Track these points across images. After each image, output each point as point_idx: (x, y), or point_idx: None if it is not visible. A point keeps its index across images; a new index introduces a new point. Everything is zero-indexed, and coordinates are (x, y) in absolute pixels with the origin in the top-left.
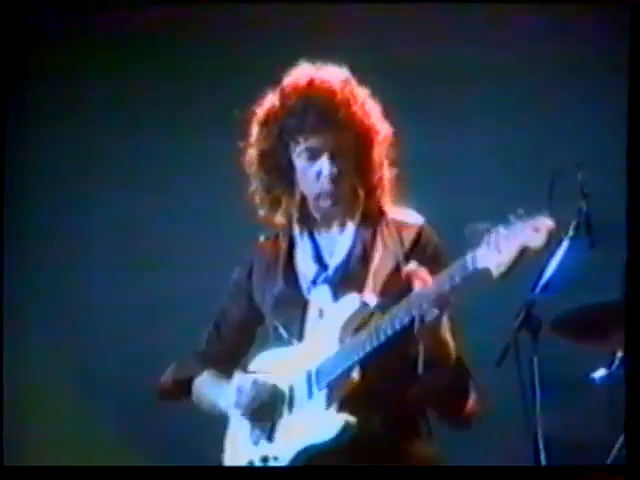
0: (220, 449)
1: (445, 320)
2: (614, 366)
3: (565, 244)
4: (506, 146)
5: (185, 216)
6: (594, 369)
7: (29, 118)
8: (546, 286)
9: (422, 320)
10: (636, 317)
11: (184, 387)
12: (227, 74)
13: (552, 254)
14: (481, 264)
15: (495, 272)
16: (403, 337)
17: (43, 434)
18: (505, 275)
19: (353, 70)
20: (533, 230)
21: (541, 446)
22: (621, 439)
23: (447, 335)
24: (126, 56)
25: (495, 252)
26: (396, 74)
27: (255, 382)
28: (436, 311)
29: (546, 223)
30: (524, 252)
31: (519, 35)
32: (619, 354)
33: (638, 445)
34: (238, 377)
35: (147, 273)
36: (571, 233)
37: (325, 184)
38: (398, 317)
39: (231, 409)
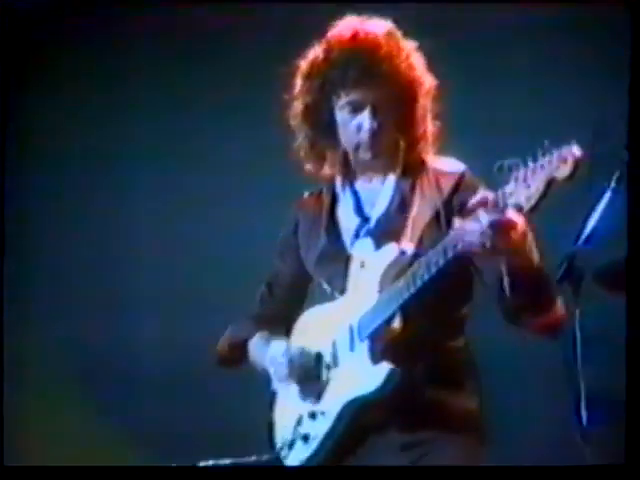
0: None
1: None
2: None
3: (607, 195)
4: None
5: (227, 180)
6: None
7: (30, 119)
8: (588, 238)
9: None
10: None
11: (239, 351)
12: (272, 28)
13: (594, 205)
14: (511, 200)
15: (525, 206)
16: (445, 281)
17: (43, 434)
18: (534, 208)
19: (398, 23)
20: (560, 161)
21: (583, 401)
22: None
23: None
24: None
25: (524, 186)
26: (445, 26)
27: (287, 350)
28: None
29: (573, 152)
30: (552, 184)
31: (519, 35)
32: None
33: (638, 445)
34: (271, 347)
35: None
36: (613, 184)
37: (365, 137)
38: (433, 261)
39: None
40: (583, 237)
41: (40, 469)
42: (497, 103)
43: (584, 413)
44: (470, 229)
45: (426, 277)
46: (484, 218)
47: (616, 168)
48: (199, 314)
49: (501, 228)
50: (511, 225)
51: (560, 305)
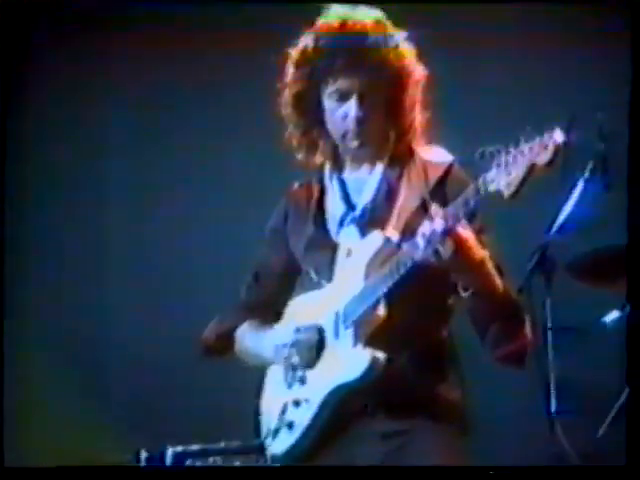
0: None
1: (472, 238)
2: (627, 309)
3: (580, 186)
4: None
5: (218, 172)
6: (607, 312)
7: (29, 119)
8: (561, 228)
9: (437, 252)
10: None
11: (227, 340)
12: (264, 18)
13: (567, 196)
14: (492, 186)
15: (506, 193)
16: (429, 268)
17: (43, 434)
18: (515, 195)
19: (388, 13)
20: (541, 147)
21: (552, 389)
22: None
23: (476, 253)
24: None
25: (505, 173)
26: (434, 16)
27: (294, 330)
28: (450, 244)
29: (554, 139)
30: (532, 170)
31: (519, 35)
32: None
33: (638, 445)
34: (276, 331)
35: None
36: (587, 175)
37: (351, 125)
38: (415, 248)
39: (273, 355)
40: (556, 227)
41: (40, 469)
42: (487, 94)
43: (553, 401)
44: (423, 231)
45: (409, 264)
46: (431, 225)
47: (590, 158)
48: (189, 303)
49: (445, 238)
50: (455, 237)
51: (528, 331)
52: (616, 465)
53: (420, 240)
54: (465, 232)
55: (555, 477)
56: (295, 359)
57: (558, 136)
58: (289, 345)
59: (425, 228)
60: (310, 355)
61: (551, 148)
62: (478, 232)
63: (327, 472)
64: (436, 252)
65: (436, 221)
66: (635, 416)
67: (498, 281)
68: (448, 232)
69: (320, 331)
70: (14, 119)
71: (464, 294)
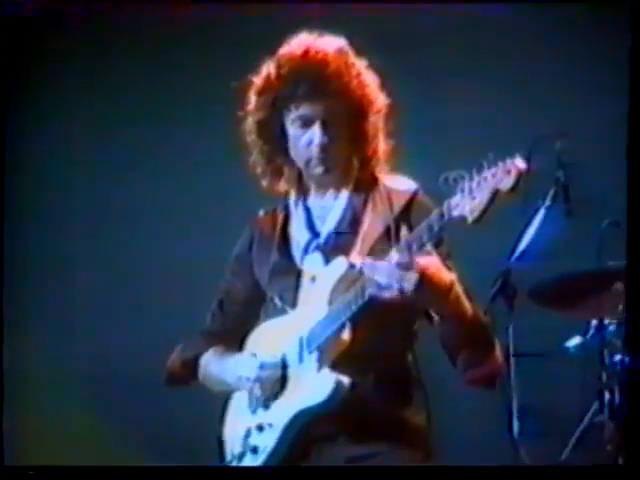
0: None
1: (438, 264)
2: (589, 335)
3: (542, 213)
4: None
5: (185, 199)
6: (569, 337)
7: (29, 118)
8: (522, 254)
9: (401, 289)
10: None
11: (191, 367)
12: (227, 45)
13: (529, 223)
14: (456, 211)
15: (470, 218)
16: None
17: (43, 434)
18: (478, 220)
19: (351, 42)
20: (504, 173)
21: (515, 415)
22: (594, 407)
23: (443, 280)
24: (125, 44)
25: (469, 198)
26: (397, 46)
27: (256, 364)
28: (413, 277)
29: (516, 165)
30: (496, 195)
31: (518, 35)
32: (594, 322)
33: (638, 445)
34: (240, 361)
35: (145, 264)
36: (548, 202)
37: (316, 151)
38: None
39: (236, 383)
40: (517, 253)
41: (40, 469)
42: (451, 121)
43: (516, 424)
44: (380, 268)
45: (373, 293)
46: (393, 258)
47: (551, 186)
48: (152, 331)
49: (408, 270)
50: (418, 268)
51: (498, 354)
52: (615, 465)
53: (380, 276)
54: (430, 259)
55: (555, 477)
56: (257, 393)
57: (519, 162)
58: (252, 380)
59: (383, 265)
60: (273, 390)
61: (514, 174)
62: (445, 257)
63: (319, 472)
64: (400, 289)
65: (396, 257)
66: (635, 416)
67: (467, 305)
68: (410, 262)
69: (284, 366)
70: (14, 118)
71: (435, 319)
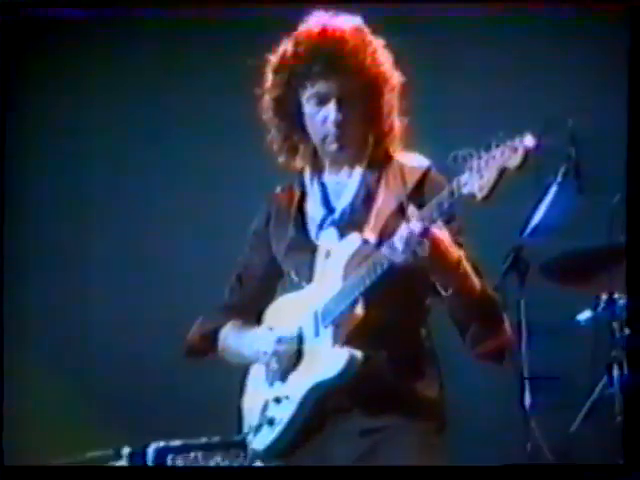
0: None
1: (449, 239)
2: (599, 308)
3: (554, 189)
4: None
5: (204, 177)
6: (579, 312)
7: (28, 114)
8: (534, 230)
9: (415, 253)
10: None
11: (210, 340)
12: (246, 24)
13: (541, 199)
14: (466, 189)
15: (479, 195)
16: (407, 269)
17: (43, 434)
18: (488, 197)
19: (367, 21)
20: (511, 151)
21: (527, 388)
22: (604, 380)
23: (453, 254)
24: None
25: (477, 176)
26: (412, 26)
27: (273, 338)
28: (427, 243)
29: (523, 143)
30: (504, 173)
31: (518, 35)
32: (604, 297)
33: (638, 445)
34: (258, 335)
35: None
36: (560, 178)
37: (331, 129)
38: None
39: (254, 357)
40: (529, 229)
41: (40, 469)
42: (464, 100)
43: (527, 397)
44: (401, 233)
45: (386, 265)
46: (406, 229)
47: (563, 163)
48: (173, 304)
49: (422, 239)
50: (431, 238)
51: (507, 328)
52: (615, 464)
53: (398, 242)
54: (441, 233)
55: (555, 477)
56: (274, 366)
57: (528, 141)
58: (270, 354)
59: (402, 231)
60: (289, 363)
61: (521, 152)
62: (456, 234)
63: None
64: (414, 253)
65: (413, 223)
66: (635, 416)
67: (476, 281)
68: (425, 234)
69: (300, 340)
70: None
71: (444, 293)
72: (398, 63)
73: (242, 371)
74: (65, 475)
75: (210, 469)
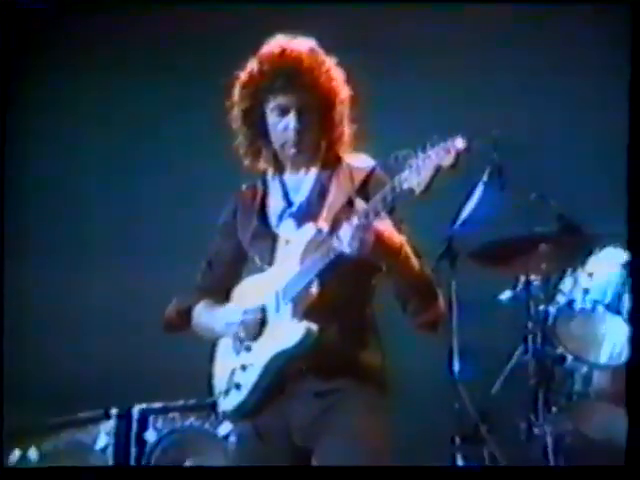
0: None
1: (391, 229)
2: (518, 288)
3: (480, 187)
4: None
5: (179, 177)
6: (501, 291)
7: (29, 112)
8: (464, 222)
9: (360, 244)
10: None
11: (185, 317)
12: (215, 47)
13: (469, 195)
14: (406, 185)
15: (417, 190)
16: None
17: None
18: (424, 192)
19: (321, 42)
20: (445, 152)
21: (456, 355)
22: (520, 349)
23: (394, 241)
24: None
25: (416, 173)
26: (360, 46)
27: (240, 312)
28: (370, 235)
29: (455, 145)
30: (439, 171)
31: (519, 35)
32: (522, 279)
33: (638, 445)
34: (227, 310)
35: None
36: (486, 178)
37: (290, 135)
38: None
39: (224, 330)
40: (460, 220)
41: (40, 469)
42: (406, 109)
43: (456, 364)
44: (344, 230)
45: (337, 251)
46: (354, 222)
47: (488, 165)
48: (155, 286)
49: (366, 232)
50: (374, 229)
51: (441, 304)
52: (616, 466)
53: (344, 235)
54: (383, 224)
55: (555, 477)
56: (242, 335)
57: (459, 142)
58: (237, 324)
59: (347, 226)
60: (254, 332)
61: (453, 153)
62: (398, 222)
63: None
64: (360, 243)
65: (355, 219)
66: (635, 416)
67: (415, 262)
68: (367, 226)
69: (263, 311)
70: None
71: (388, 272)
72: (348, 79)
73: (212, 343)
74: (65, 475)
75: (210, 469)
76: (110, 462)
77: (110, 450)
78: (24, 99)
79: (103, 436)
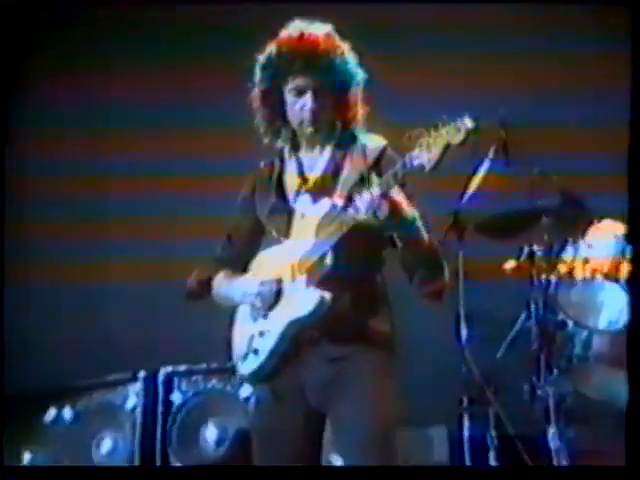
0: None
1: (404, 202)
2: (521, 258)
3: (486, 164)
4: None
5: (204, 159)
6: (506, 261)
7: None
8: (470, 197)
9: (375, 213)
10: None
11: (206, 286)
12: (239, 31)
13: (476, 171)
14: (417, 161)
15: (427, 167)
16: (367, 227)
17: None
18: (434, 168)
19: (337, 28)
20: (455, 130)
21: (462, 322)
22: (523, 315)
23: (407, 213)
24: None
25: (426, 151)
26: (374, 32)
27: (257, 282)
28: (386, 205)
29: (465, 124)
30: (448, 149)
31: (518, 35)
32: (525, 249)
33: (638, 446)
34: (245, 280)
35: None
36: (491, 155)
37: (307, 115)
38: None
39: (242, 299)
40: (467, 195)
41: (40, 469)
42: (416, 92)
43: (464, 331)
44: (364, 197)
45: (351, 224)
46: (374, 191)
47: (494, 142)
48: (177, 257)
49: (382, 201)
50: (390, 200)
51: (446, 274)
52: (616, 466)
53: (361, 204)
54: (398, 196)
55: (555, 477)
56: (259, 304)
57: (468, 122)
58: (254, 294)
59: (366, 195)
60: (270, 302)
61: (462, 131)
62: (409, 197)
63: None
64: (374, 213)
65: (373, 189)
66: (635, 417)
67: (425, 235)
68: (384, 197)
69: (279, 281)
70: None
71: (399, 244)
72: (361, 62)
73: (231, 311)
74: (65, 475)
75: (210, 469)
76: (139, 420)
77: (139, 410)
78: (24, 99)
79: (132, 396)
